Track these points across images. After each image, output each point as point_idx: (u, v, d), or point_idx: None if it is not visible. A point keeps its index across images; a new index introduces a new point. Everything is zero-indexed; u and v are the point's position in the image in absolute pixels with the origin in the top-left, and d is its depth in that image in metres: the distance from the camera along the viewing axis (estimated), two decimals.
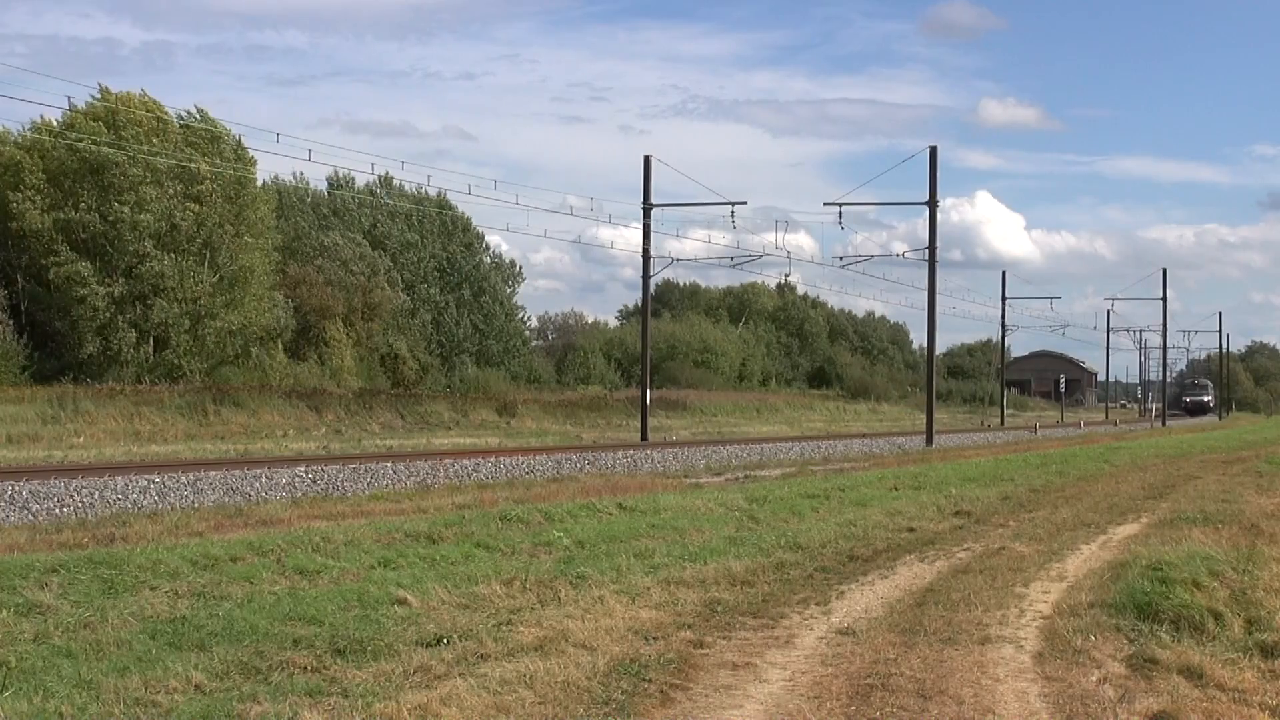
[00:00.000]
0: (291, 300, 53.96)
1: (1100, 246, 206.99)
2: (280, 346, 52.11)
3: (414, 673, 7.67)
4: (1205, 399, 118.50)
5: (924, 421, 44.51)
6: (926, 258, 42.41)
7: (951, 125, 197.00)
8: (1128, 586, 10.67)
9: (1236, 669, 8.29)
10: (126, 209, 44.27)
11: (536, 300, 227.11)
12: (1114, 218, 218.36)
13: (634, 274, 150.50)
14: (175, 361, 46.37)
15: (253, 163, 48.04)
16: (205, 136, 46.88)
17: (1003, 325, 70.13)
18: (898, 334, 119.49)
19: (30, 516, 16.19)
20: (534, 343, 79.91)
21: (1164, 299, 77.22)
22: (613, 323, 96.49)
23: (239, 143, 47.97)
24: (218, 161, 45.68)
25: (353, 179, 65.74)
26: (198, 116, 47.39)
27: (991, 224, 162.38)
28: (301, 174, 61.96)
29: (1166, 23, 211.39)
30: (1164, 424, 76.21)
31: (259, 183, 50.33)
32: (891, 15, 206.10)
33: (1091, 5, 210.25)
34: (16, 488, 17.06)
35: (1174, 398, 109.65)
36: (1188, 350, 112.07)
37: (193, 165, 44.52)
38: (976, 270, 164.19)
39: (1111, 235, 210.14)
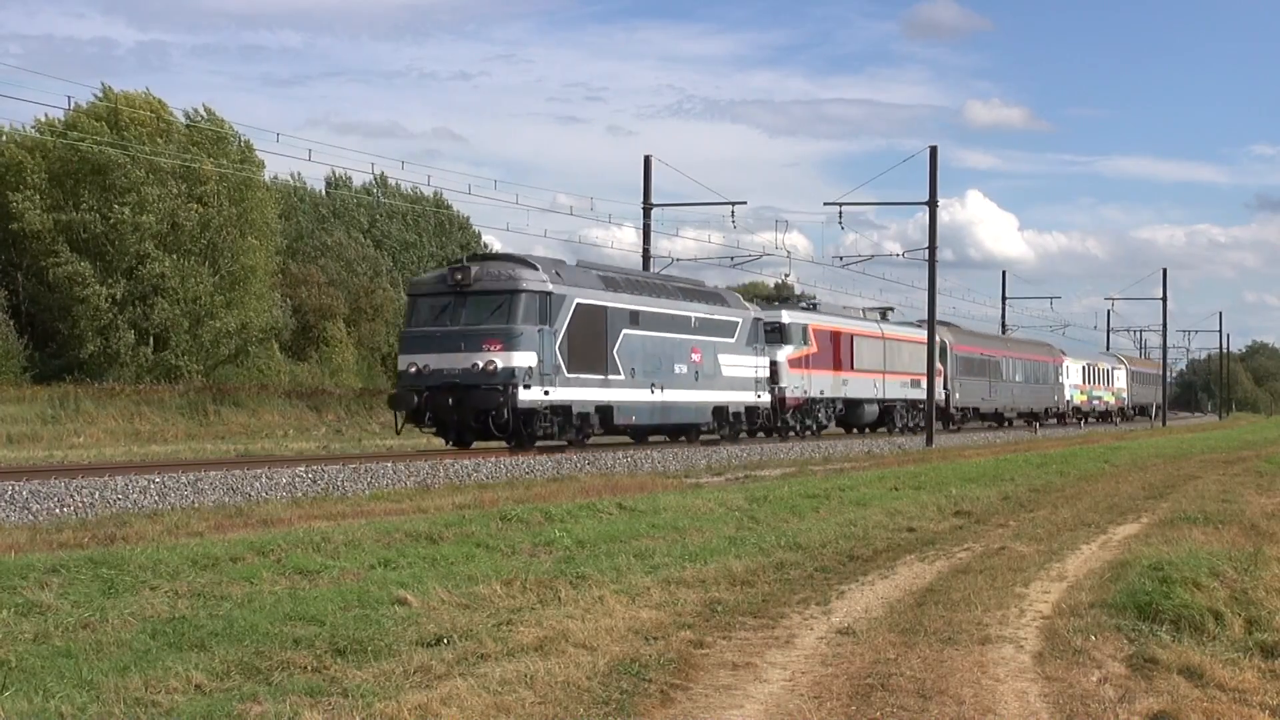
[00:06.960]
0: (291, 300, 53.93)
1: (1093, 246, 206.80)
2: (277, 346, 52.08)
3: (414, 673, 7.66)
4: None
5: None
6: (925, 258, 42.44)
7: (949, 126, 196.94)
8: (1128, 586, 10.67)
9: (1237, 669, 8.29)
10: (128, 210, 44.26)
11: None
12: (1113, 218, 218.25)
13: None
14: (175, 361, 46.37)
15: (260, 165, 48.10)
16: (210, 137, 46.87)
17: (1003, 325, 70.10)
18: None
19: (30, 516, 16.17)
20: None
21: (1164, 299, 77.28)
22: None
23: (247, 144, 48.01)
24: (224, 162, 45.67)
25: (349, 179, 65.67)
26: (204, 116, 47.37)
27: (983, 224, 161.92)
28: (298, 174, 61.83)
29: (1164, 22, 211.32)
30: (1164, 424, 76.16)
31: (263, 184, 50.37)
32: (890, 15, 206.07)
33: (1079, 5, 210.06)
34: (16, 488, 17.03)
35: None
36: (1188, 350, 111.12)
37: (197, 165, 44.48)
38: (968, 270, 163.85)
39: (1104, 235, 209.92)
